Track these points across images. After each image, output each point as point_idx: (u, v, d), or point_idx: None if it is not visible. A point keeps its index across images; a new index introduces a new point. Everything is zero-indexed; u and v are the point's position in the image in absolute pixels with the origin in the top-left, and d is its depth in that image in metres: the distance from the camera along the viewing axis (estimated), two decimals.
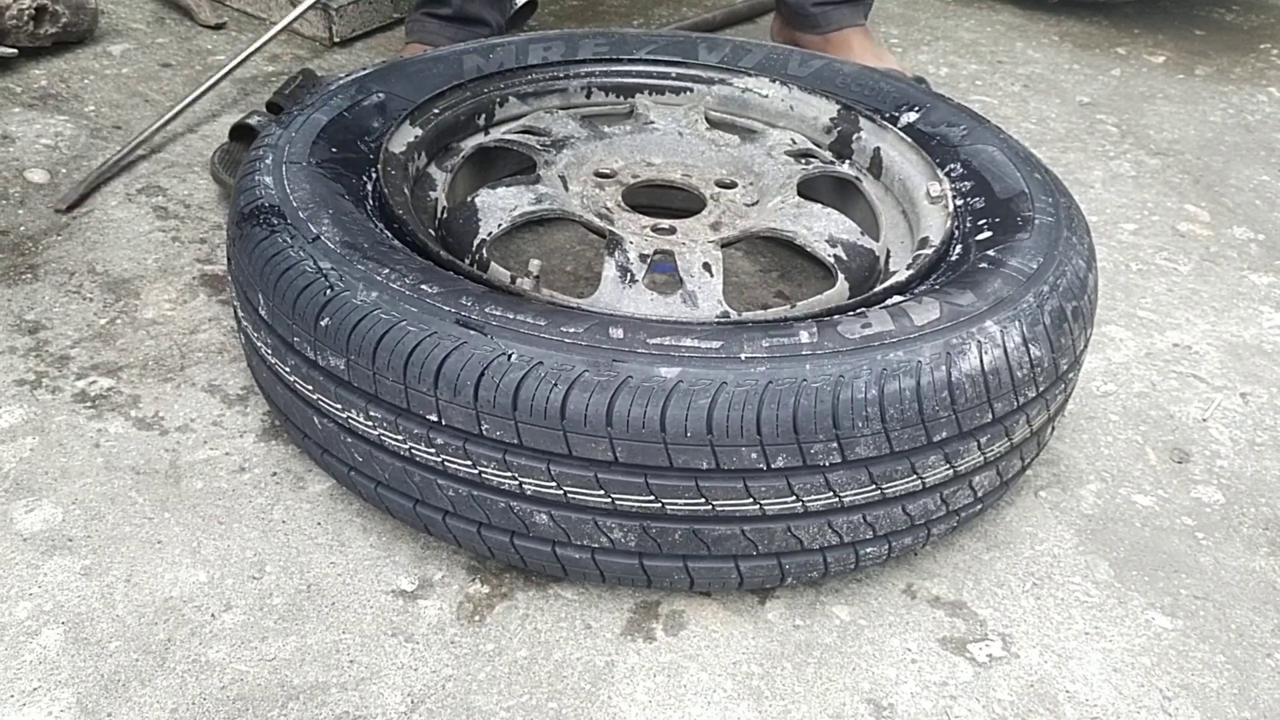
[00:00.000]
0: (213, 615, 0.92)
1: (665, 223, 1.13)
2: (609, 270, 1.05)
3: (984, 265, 1.00)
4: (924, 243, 1.10)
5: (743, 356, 0.86)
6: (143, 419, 1.10)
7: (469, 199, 1.15)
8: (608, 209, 1.16)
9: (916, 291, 0.99)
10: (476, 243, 1.11)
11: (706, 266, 1.06)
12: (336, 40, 1.79)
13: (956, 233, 1.09)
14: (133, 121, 1.54)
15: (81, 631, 0.90)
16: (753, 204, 1.19)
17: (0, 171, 1.42)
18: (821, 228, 1.15)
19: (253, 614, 0.93)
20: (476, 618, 0.94)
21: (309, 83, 1.44)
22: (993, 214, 1.10)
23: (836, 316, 0.93)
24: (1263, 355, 1.32)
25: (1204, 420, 1.22)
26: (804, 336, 0.88)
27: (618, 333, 0.87)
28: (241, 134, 1.38)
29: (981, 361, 0.89)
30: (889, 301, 0.97)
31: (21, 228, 1.33)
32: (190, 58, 1.72)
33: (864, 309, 0.95)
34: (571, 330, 0.87)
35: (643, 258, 1.06)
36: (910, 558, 1.02)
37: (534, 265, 0.99)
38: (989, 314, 0.93)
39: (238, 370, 1.16)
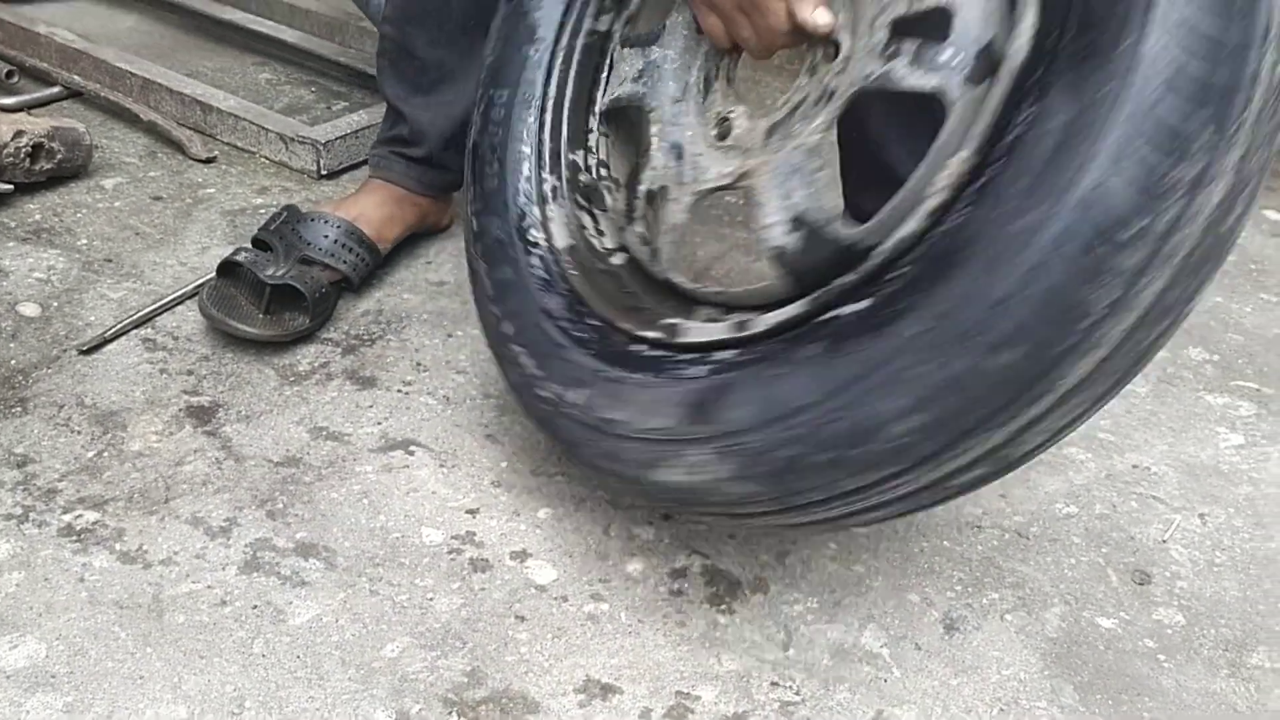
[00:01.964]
0: None
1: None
2: None
3: None
4: None
5: None
6: (127, 552, 1.12)
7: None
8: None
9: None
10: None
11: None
12: (324, 173, 1.85)
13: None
14: (124, 254, 1.59)
15: None
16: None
17: None
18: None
19: None
20: None
21: (292, 218, 1.49)
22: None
23: None
24: (1219, 476, 1.36)
25: (1164, 541, 1.25)
26: None
27: None
28: (228, 270, 1.43)
29: None
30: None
31: (13, 361, 1.37)
32: (181, 190, 1.78)
33: None
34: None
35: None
36: (880, 685, 1.05)
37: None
38: None
39: (221, 502, 1.19)
